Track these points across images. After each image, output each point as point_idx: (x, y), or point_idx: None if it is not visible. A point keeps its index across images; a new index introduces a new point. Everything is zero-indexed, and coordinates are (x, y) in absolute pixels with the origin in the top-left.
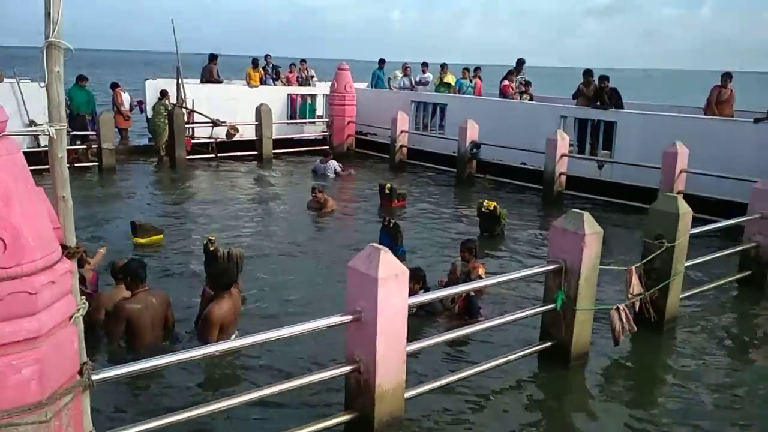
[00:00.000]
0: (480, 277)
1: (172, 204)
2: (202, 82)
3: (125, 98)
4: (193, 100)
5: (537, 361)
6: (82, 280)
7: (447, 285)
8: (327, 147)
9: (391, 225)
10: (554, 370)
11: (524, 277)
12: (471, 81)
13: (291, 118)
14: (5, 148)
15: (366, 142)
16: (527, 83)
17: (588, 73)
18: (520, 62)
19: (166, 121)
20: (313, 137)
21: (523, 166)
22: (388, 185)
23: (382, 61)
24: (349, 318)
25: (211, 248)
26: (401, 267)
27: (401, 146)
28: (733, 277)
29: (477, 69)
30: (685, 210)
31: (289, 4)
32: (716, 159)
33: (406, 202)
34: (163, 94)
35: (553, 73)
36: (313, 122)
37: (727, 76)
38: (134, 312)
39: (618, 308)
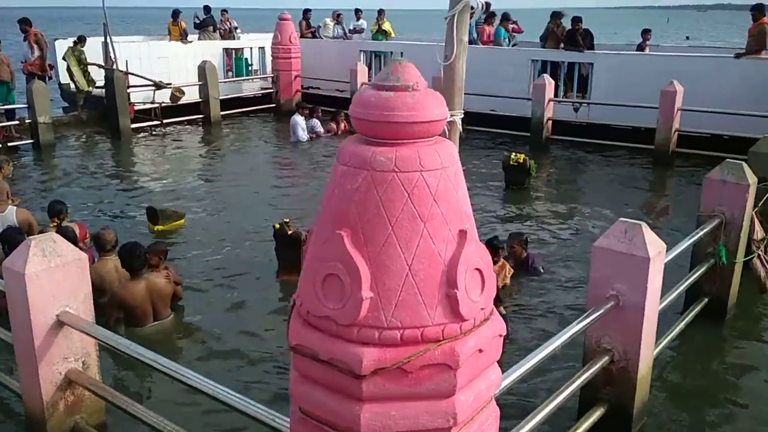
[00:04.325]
0: (506, 277)
1: (150, 180)
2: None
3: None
4: (127, 61)
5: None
6: None
7: None
8: (302, 103)
9: None
10: (711, 324)
11: (695, 241)
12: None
13: (227, 75)
14: (454, 153)
15: (313, 97)
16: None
17: (557, 15)
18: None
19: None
20: (252, 95)
21: (492, 112)
22: None
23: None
24: (607, 305)
25: (290, 232)
26: (662, 243)
27: None
28: None
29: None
30: None
31: None
32: (699, 95)
33: None
34: (80, 39)
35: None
36: (253, 79)
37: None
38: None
39: (759, 255)
